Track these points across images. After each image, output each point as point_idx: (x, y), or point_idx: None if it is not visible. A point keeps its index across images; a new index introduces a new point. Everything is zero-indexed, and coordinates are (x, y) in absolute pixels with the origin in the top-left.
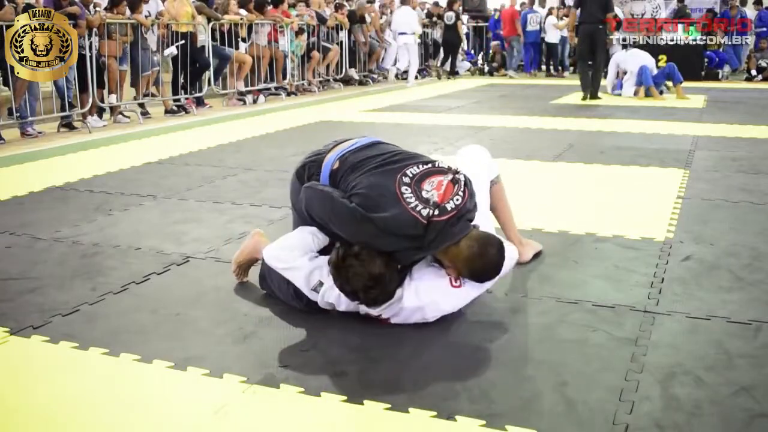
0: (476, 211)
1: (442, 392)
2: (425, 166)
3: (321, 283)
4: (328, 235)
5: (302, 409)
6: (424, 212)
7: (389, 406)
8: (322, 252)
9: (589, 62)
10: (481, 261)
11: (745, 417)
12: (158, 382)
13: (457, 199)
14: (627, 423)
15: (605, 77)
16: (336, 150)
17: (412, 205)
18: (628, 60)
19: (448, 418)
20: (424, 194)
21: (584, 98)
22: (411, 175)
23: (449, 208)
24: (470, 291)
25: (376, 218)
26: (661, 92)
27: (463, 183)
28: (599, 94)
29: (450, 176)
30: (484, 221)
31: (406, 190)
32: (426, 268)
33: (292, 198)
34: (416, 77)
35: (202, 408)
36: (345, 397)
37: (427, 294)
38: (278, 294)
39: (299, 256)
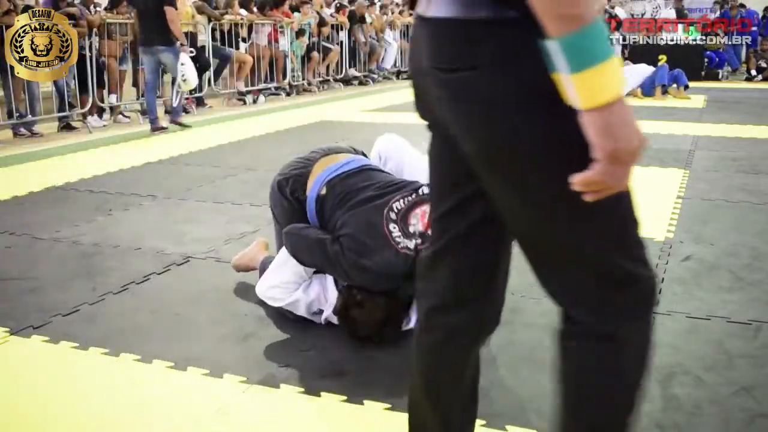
0: None
1: None
2: (410, 198)
3: (321, 311)
4: None
5: (302, 409)
6: (411, 245)
7: (389, 406)
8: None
9: None
10: None
11: (745, 417)
12: (158, 382)
13: None
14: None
15: None
16: (323, 168)
17: (402, 244)
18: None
19: None
20: (411, 229)
21: None
22: (397, 210)
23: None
24: None
25: (369, 265)
26: (664, 93)
27: None
28: None
29: None
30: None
31: (394, 228)
32: None
33: (271, 205)
34: None
35: (202, 408)
36: (345, 397)
37: None
38: None
39: (293, 290)
